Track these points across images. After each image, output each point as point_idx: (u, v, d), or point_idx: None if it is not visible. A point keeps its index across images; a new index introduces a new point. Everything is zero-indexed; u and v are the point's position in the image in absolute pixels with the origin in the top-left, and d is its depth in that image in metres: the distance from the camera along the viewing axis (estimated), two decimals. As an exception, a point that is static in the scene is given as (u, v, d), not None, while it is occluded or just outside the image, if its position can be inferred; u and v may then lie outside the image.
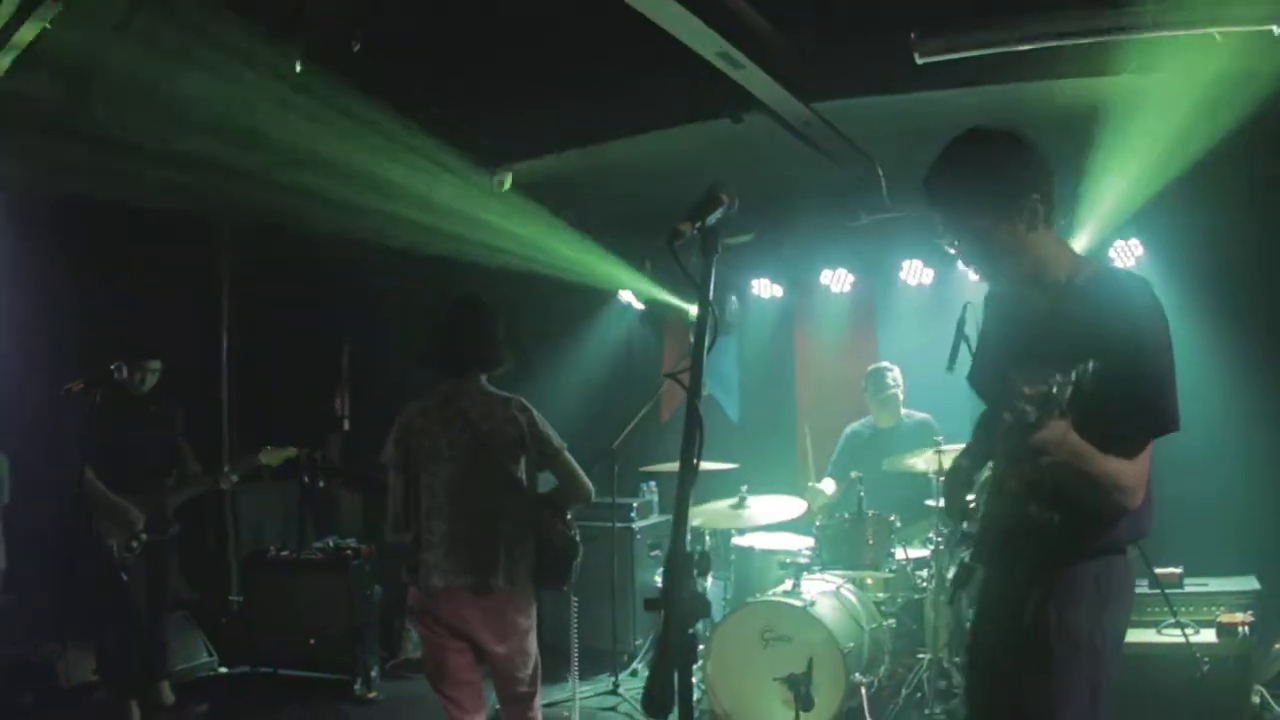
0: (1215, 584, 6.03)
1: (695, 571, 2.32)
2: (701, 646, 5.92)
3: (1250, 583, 6.03)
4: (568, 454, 4.67)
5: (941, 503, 3.41)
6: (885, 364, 7.38)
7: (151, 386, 6.65)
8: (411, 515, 4.54)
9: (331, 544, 7.82)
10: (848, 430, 7.59)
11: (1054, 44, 5.35)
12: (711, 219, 2.55)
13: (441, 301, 4.77)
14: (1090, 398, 2.54)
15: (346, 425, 10.05)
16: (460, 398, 4.57)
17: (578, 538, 4.75)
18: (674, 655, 2.22)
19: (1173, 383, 2.76)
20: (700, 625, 4.24)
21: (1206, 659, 5.45)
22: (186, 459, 6.82)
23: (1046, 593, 2.87)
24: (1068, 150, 5.86)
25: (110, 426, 6.27)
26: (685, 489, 2.31)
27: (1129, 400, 2.67)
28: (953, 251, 3.01)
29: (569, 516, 4.76)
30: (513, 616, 4.53)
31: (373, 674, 7.40)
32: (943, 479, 3.39)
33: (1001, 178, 2.87)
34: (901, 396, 7.30)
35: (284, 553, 7.84)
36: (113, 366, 6.25)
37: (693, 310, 5.31)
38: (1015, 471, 2.82)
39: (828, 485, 7.33)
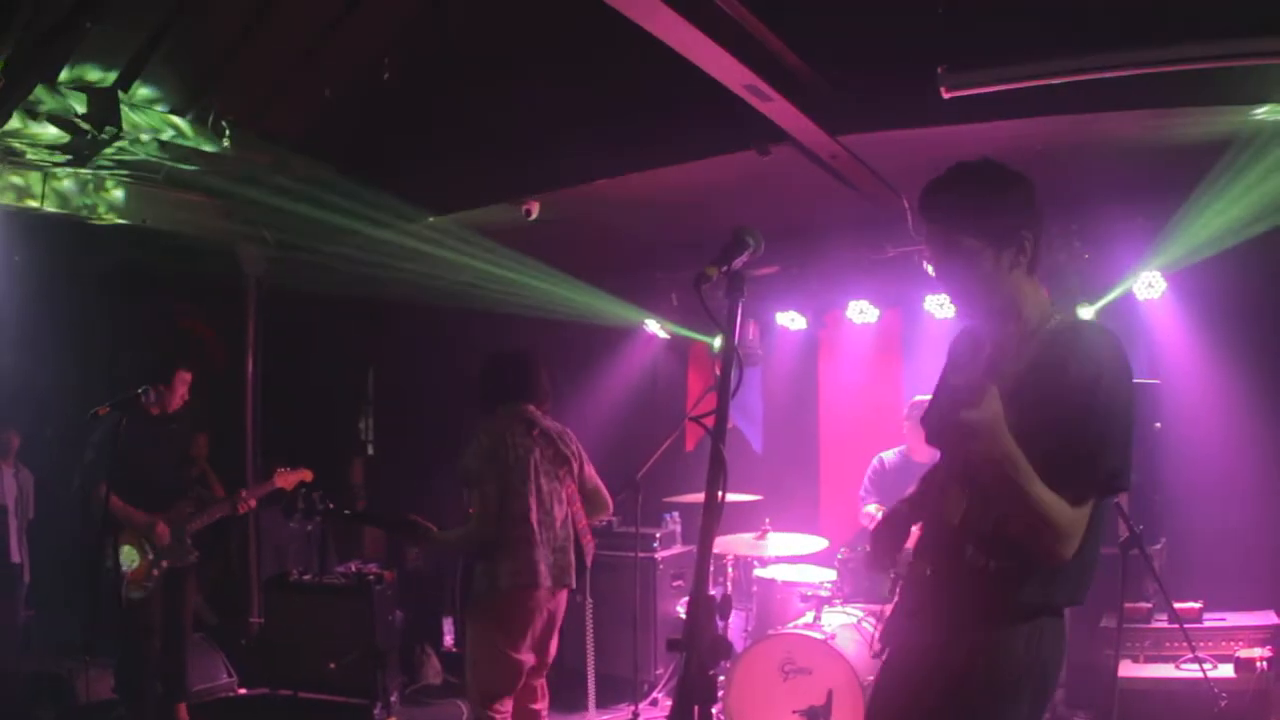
0: (1234, 619, 6.02)
1: (717, 614, 2.33)
2: (722, 678, 5.91)
3: (1269, 618, 6.02)
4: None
5: (869, 548, 3.33)
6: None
7: (177, 407, 6.70)
8: (503, 520, 5.06)
9: (354, 568, 7.84)
10: (878, 457, 7.52)
11: (1075, 78, 5.36)
12: (738, 262, 2.58)
13: (464, 330, 5.04)
14: (1042, 439, 2.57)
15: (370, 450, 10.08)
16: (536, 421, 5.31)
17: None
18: (695, 695, 2.24)
19: (1124, 441, 2.68)
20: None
21: (1224, 695, 5.42)
22: (208, 483, 6.83)
23: (975, 647, 2.76)
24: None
25: (131, 447, 6.26)
26: (709, 532, 2.33)
27: (1073, 452, 2.62)
28: (932, 272, 2.99)
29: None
30: (559, 615, 5.31)
31: (392, 699, 7.40)
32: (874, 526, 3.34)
33: (1003, 205, 2.85)
34: None
35: (306, 576, 7.87)
36: (140, 391, 6.31)
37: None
38: (954, 494, 2.81)
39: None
